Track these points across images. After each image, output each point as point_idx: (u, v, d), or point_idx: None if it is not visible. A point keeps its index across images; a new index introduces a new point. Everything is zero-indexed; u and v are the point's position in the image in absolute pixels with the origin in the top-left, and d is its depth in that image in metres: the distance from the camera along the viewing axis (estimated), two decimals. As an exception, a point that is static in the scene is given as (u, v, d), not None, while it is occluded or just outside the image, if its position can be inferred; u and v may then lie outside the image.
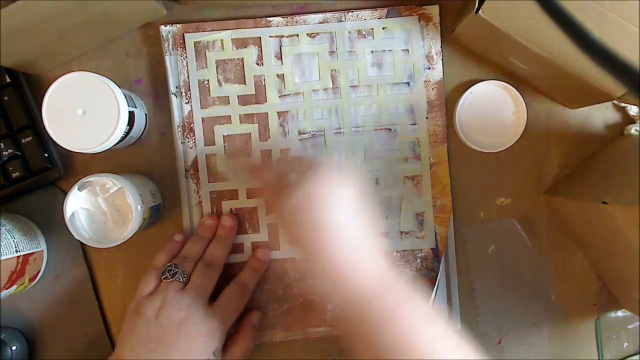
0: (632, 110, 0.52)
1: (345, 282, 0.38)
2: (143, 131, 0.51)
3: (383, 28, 0.51)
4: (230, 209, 0.52)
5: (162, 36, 0.51)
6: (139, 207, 0.46)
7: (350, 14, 0.51)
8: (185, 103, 0.52)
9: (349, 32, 0.51)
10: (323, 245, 0.38)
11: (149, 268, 0.48)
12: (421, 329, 0.36)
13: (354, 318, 0.38)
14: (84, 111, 0.44)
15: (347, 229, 0.39)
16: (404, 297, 0.38)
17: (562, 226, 0.52)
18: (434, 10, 0.51)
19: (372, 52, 0.52)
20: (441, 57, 0.52)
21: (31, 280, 0.50)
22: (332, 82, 0.52)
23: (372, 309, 0.37)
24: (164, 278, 0.46)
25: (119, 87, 0.45)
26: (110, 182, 0.46)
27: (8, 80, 0.49)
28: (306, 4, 0.52)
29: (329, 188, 0.39)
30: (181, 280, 0.46)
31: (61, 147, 0.44)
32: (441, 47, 0.52)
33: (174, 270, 0.47)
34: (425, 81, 0.52)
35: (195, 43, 0.51)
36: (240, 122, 0.52)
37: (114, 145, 0.46)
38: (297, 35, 0.52)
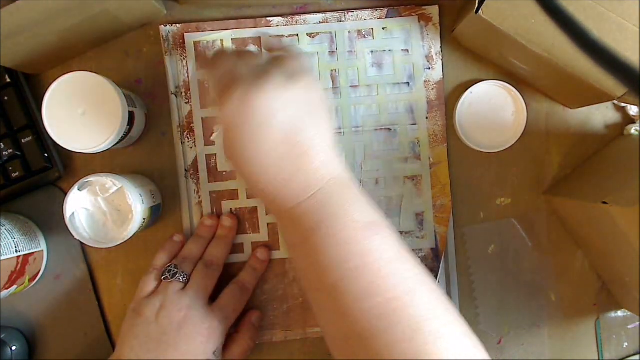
0: (632, 110, 0.52)
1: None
2: (143, 131, 0.51)
3: (383, 28, 0.51)
4: (230, 209, 0.52)
5: (162, 36, 0.51)
6: (139, 207, 0.46)
7: (350, 14, 0.51)
8: (185, 103, 0.52)
9: (349, 32, 0.51)
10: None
11: (149, 268, 0.48)
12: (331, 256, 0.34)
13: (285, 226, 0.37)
14: (84, 111, 0.44)
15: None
16: (329, 215, 0.35)
17: (562, 226, 0.52)
18: (433, 11, 0.51)
19: (372, 52, 0.52)
20: (441, 57, 0.52)
21: (31, 280, 0.50)
22: (332, 82, 0.52)
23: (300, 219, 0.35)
24: (164, 278, 0.46)
25: (119, 87, 0.45)
26: (110, 182, 0.46)
27: (8, 80, 0.49)
28: (306, 4, 0.52)
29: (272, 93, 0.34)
30: (181, 280, 0.46)
31: (61, 147, 0.44)
32: (441, 47, 0.52)
33: (173, 270, 0.47)
34: (425, 81, 0.52)
35: (195, 43, 0.51)
36: (240, 122, 0.52)
37: (114, 145, 0.46)
38: (297, 35, 0.52)
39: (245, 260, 0.52)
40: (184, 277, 0.47)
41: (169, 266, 0.47)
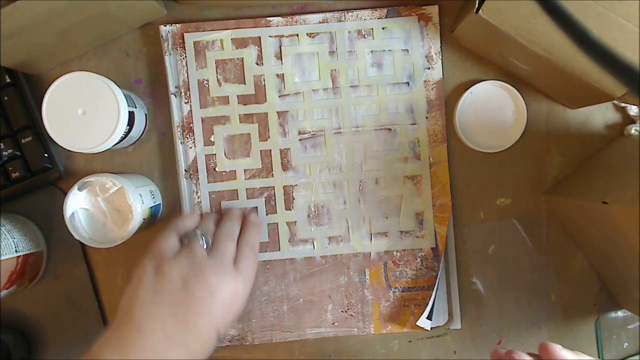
0: (632, 110, 0.52)
1: None
2: (143, 131, 0.51)
3: (383, 28, 0.51)
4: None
5: (162, 36, 0.51)
6: (139, 207, 0.46)
7: (350, 14, 0.51)
8: (185, 103, 0.52)
9: (349, 32, 0.51)
10: None
11: (169, 226, 0.45)
12: None
13: None
14: (84, 111, 0.44)
15: None
16: None
17: (562, 226, 0.52)
18: (433, 11, 0.51)
19: (371, 52, 0.52)
20: (441, 57, 0.52)
21: (31, 280, 0.50)
22: (332, 82, 0.52)
23: None
24: (187, 240, 0.44)
25: (119, 87, 0.45)
26: (110, 182, 0.46)
27: (8, 80, 0.49)
28: (306, 4, 0.52)
29: None
30: (205, 247, 0.44)
31: (61, 147, 0.44)
32: (441, 47, 0.52)
33: (200, 233, 0.45)
34: (425, 81, 0.52)
35: (194, 43, 0.51)
36: (240, 122, 0.52)
37: (114, 145, 0.46)
38: (297, 35, 0.52)
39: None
40: (208, 244, 0.45)
41: (195, 230, 0.45)
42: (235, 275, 0.43)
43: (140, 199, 0.47)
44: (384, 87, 0.52)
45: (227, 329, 0.43)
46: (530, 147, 0.52)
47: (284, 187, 0.52)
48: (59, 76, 0.44)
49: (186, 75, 0.52)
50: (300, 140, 0.52)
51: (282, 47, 0.52)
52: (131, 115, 0.46)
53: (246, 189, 0.52)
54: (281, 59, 0.52)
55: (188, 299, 0.40)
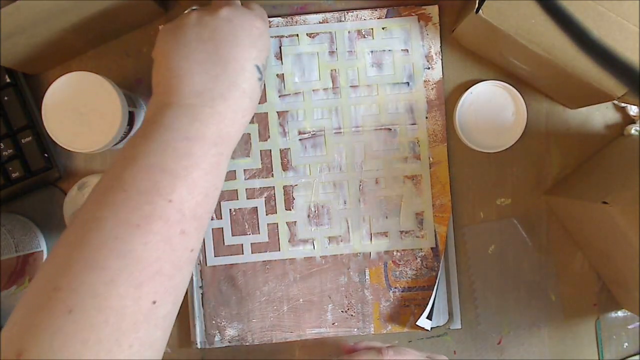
0: (632, 110, 0.52)
1: None
2: (143, 131, 0.51)
3: (383, 28, 0.51)
4: (230, 209, 0.52)
5: (162, 36, 0.51)
6: (139, 207, 0.46)
7: (350, 14, 0.51)
8: (185, 103, 0.52)
9: (349, 32, 0.51)
10: None
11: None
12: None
13: None
14: (84, 111, 0.44)
15: None
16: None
17: (562, 226, 0.52)
18: (433, 11, 0.51)
19: (371, 52, 0.52)
20: (441, 57, 0.52)
21: (31, 280, 0.50)
22: (332, 82, 0.52)
23: None
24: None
25: (119, 87, 0.45)
26: (110, 182, 0.46)
27: (8, 80, 0.49)
28: (306, 4, 0.52)
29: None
30: None
31: (61, 147, 0.44)
32: (441, 47, 0.52)
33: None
34: (425, 81, 0.52)
35: (195, 43, 0.51)
36: (240, 122, 0.52)
37: (114, 145, 0.46)
38: (297, 35, 0.52)
39: (245, 262, 0.52)
40: None
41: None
42: (247, 10, 0.43)
43: (140, 199, 0.47)
44: (384, 87, 0.52)
45: (263, 63, 0.43)
46: (530, 147, 0.52)
47: (284, 187, 0.52)
48: (59, 76, 0.44)
49: (186, 75, 0.51)
50: (300, 140, 0.52)
51: (282, 47, 0.52)
52: (131, 115, 0.46)
53: (246, 189, 0.52)
54: (281, 59, 0.52)
55: (213, 39, 0.41)
